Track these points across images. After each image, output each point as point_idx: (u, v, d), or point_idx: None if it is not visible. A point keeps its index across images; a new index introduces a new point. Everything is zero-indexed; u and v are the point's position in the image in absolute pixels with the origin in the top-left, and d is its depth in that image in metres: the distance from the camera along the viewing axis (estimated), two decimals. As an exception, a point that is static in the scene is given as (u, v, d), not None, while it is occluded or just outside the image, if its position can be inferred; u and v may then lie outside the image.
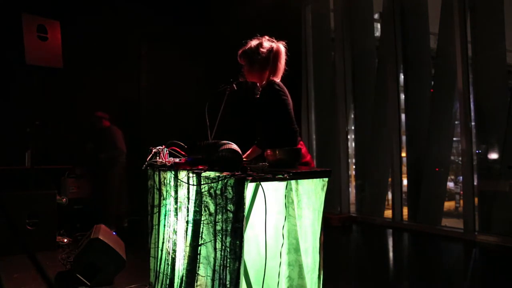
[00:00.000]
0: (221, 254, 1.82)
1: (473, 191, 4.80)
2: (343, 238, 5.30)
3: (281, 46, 2.47)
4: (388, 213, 6.18)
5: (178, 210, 2.32)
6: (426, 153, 5.71)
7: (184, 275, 2.14)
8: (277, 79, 2.43)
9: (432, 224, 5.39)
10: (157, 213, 2.69)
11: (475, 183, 4.85)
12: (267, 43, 2.47)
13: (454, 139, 5.75)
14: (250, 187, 1.82)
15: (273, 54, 2.43)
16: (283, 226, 2.14)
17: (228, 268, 1.76)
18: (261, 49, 2.44)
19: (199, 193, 2.05)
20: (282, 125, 2.34)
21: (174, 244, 2.36)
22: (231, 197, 1.79)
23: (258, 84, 2.53)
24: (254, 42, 2.49)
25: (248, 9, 6.02)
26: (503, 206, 4.80)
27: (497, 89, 5.04)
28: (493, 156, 5.04)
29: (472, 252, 4.47)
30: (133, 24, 6.03)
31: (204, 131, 2.71)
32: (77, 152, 5.50)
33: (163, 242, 2.58)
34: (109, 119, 5.47)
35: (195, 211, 2.08)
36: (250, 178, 1.73)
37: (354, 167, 6.94)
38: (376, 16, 7.00)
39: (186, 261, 2.13)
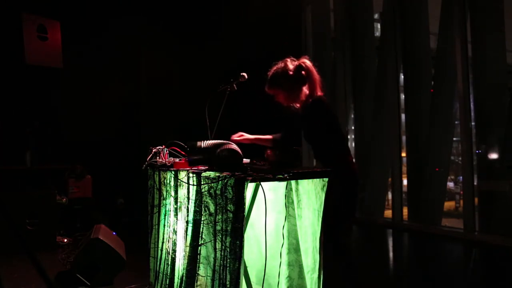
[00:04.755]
0: (221, 254, 1.82)
1: (473, 191, 4.79)
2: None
3: (307, 61, 2.45)
4: (388, 213, 6.18)
5: (178, 210, 2.32)
6: (426, 153, 5.71)
7: (184, 275, 2.14)
8: (320, 92, 2.42)
9: (432, 224, 5.38)
10: (157, 213, 2.69)
11: (475, 183, 4.84)
12: (290, 64, 2.43)
13: (454, 139, 5.75)
14: (250, 187, 1.82)
15: (304, 71, 2.40)
16: (283, 226, 2.14)
17: (228, 268, 1.76)
18: (289, 72, 2.40)
19: (199, 193, 2.05)
20: (332, 140, 2.35)
21: (174, 244, 2.36)
22: (231, 197, 1.79)
23: (298, 105, 2.49)
24: (278, 68, 2.45)
25: (248, 9, 6.01)
26: (503, 206, 4.80)
27: (497, 89, 5.03)
28: (493, 156, 5.04)
29: (472, 252, 4.47)
30: (133, 24, 6.02)
31: (204, 131, 2.72)
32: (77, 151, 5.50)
33: (163, 242, 2.58)
34: None
35: (195, 211, 2.08)
36: (250, 178, 1.73)
37: (354, 167, 6.92)
38: (376, 16, 7.00)
39: (186, 261, 2.13)
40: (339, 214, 2.23)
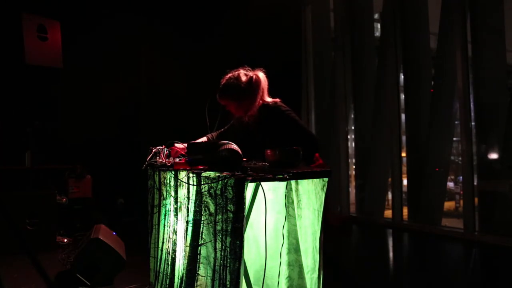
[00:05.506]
0: (221, 254, 1.82)
1: (473, 191, 4.80)
2: (343, 238, 5.30)
3: (260, 74, 2.46)
4: (388, 213, 6.18)
5: (178, 210, 2.32)
6: (426, 153, 5.71)
7: (184, 275, 2.14)
8: (269, 99, 2.48)
9: (432, 224, 5.38)
10: (157, 213, 2.69)
11: (475, 183, 4.84)
12: (243, 76, 2.45)
13: (454, 139, 5.75)
14: (250, 187, 1.82)
15: (254, 84, 2.42)
16: (283, 226, 2.14)
17: (228, 268, 1.76)
18: (242, 85, 2.42)
19: (199, 193, 2.05)
20: (303, 137, 2.39)
21: (174, 244, 2.36)
22: (231, 197, 1.79)
23: (245, 114, 2.52)
24: (231, 79, 2.47)
25: (248, 9, 6.01)
26: (503, 206, 4.80)
27: (497, 89, 5.04)
28: (493, 156, 5.04)
29: (472, 252, 4.47)
30: (133, 23, 6.03)
31: (204, 131, 2.72)
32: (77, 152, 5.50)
33: (163, 242, 2.58)
34: None
35: (195, 211, 2.08)
36: (250, 178, 1.73)
37: (354, 167, 6.94)
38: (376, 16, 7.00)
39: (186, 261, 2.13)
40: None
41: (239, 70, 2.49)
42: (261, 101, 2.46)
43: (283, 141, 2.27)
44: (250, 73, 2.47)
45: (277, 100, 2.50)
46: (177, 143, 2.60)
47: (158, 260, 2.63)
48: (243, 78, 2.44)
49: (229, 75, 2.49)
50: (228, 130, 2.74)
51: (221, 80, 2.51)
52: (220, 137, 2.65)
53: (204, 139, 2.68)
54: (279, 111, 2.43)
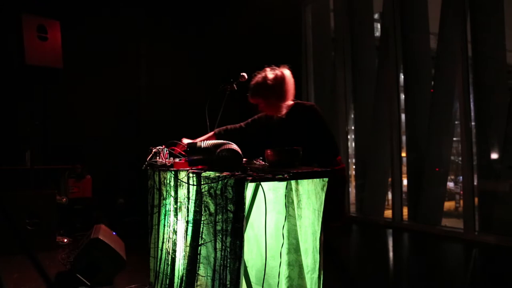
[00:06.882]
0: (221, 254, 1.82)
1: (473, 191, 4.80)
2: (343, 238, 5.30)
3: (285, 71, 2.52)
4: (388, 213, 6.18)
5: (178, 210, 2.32)
6: (426, 153, 5.71)
7: (184, 275, 2.14)
8: (291, 100, 2.53)
9: (432, 224, 5.39)
10: (157, 213, 2.69)
11: (475, 183, 4.84)
12: (270, 73, 2.50)
13: (454, 139, 5.75)
14: (250, 187, 1.82)
15: (281, 80, 2.48)
16: (283, 226, 2.14)
17: (228, 268, 1.76)
18: (268, 82, 2.47)
19: (199, 193, 2.05)
20: (328, 143, 2.51)
21: (174, 244, 2.36)
22: (231, 197, 1.79)
23: (276, 112, 2.55)
24: (258, 77, 2.52)
25: (248, 9, 6.01)
26: (503, 206, 4.80)
27: (497, 89, 5.03)
28: (493, 156, 5.04)
29: (472, 252, 4.47)
30: (133, 23, 6.03)
31: (204, 131, 2.72)
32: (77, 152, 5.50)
33: (163, 242, 2.58)
34: None
35: (195, 211, 2.08)
36: (250, 178, 1.73)
37: (354, 167, 6.93)
38: (376, 16, 7.00)
39: (186, 261, 2.13)
40: (327, 212, 2.26)
41: (265, 69, 2.53)
42: (292, 101, 2.52)
43: (309, 143, 2.32)
44: (276, 71, 2.51)
45: (313, 103, 2.58)
46: (185, 138, 2.61)
47: (158, 260, 2.63)
48: (270, 76, 2.49)
49: (257, 75, 2.53)
50: (245, 127, 2.75)
51: (251, 81, 2.55)
52: (233, 133, 2.67)
53: (210, 134, 2.68)
54: (315, 113, 2.50)
